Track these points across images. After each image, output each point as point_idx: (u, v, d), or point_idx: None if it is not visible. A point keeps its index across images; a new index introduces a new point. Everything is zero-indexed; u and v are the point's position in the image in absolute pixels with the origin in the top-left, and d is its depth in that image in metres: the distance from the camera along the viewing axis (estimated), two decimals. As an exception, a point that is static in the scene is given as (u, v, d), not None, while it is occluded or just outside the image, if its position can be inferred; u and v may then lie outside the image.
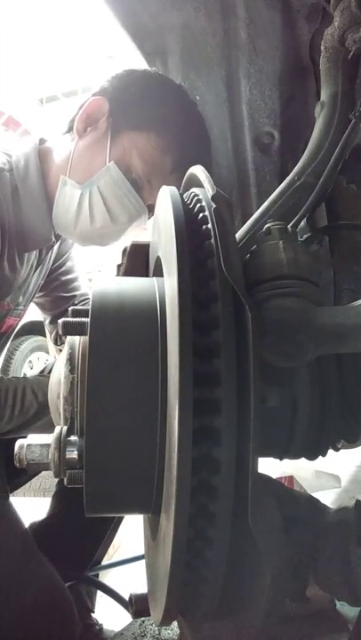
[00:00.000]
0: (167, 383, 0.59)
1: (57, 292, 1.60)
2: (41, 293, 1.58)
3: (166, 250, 0.65)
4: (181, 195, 0.68)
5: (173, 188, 0.69)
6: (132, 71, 1.24)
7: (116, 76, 1.26)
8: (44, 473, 2.03)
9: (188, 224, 0.62)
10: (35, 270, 1.43)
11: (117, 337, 0.63)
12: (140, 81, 1.21)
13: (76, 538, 1.44)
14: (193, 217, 0.65)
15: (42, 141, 1.34)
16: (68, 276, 1.61)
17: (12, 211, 1.23)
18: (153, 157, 1.21)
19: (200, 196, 0.66)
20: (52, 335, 1.67)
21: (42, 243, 1.35)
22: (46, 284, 1.55)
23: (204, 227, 0.62)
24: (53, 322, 1.64)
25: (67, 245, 1.58)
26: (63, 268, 1.60)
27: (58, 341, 1.64)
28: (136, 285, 0.73)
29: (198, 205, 0.65)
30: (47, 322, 1.69)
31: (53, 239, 1.36)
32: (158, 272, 0.75)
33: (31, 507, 1.63)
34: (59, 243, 1.49)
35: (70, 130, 1.29)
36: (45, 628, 1.19)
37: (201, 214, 0.64)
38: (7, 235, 1.22)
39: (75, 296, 1.61)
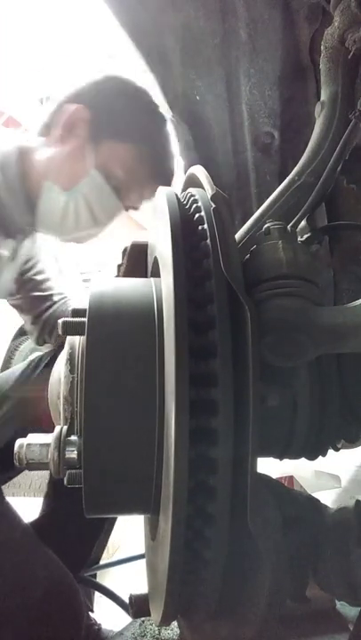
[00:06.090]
0: (164, 384, 0.59)
1: (32, 291, 1.62)
2: (18, 295, 1.60)
3: (163, 250, 0.65)
4: (178, 196, 0.68)
5: (170, 189, 0.69)
6: (109, 79, 1.31)
7: (95, 83, 1.32)
8: (44, 473, 2.03)
9: (184, 224, 0.62)
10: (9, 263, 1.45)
11: (115, 337, 0.63)
12: (119, 92, 1.30)
13: (69, 538, 1.44)
14: (189, 217, 0.65)
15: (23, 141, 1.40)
16: (42, 276, 1.63)
17: None
18: (132, 167, 1.30)
19: (196, 197, 0.66)
20: (34, 336, 1.66)
21: (20, 231, 1.40)
22: (21, 285, 1.58)
23: (200, 227, 0.62)
24: (35, 322, 1.63)
25: (36, 247, 1.61)
26: (35, 269, 1.63)
27: (40, 342, 1.64)
28: (133, 286, 0.73)
29: (195, 206, 0.65)
30: (28, 324, 1.68)
31: (35, 231, 1.43)
32: (156, 273, 0.75)
33: (31, 507, 1.63)
34: (30, 243, 1.52)
35: (46, 134, 1.34)
36: (54, 620, 1.19)
37: (197, 215, 0.64)
38: None
39: (51, 295, 1.62)
